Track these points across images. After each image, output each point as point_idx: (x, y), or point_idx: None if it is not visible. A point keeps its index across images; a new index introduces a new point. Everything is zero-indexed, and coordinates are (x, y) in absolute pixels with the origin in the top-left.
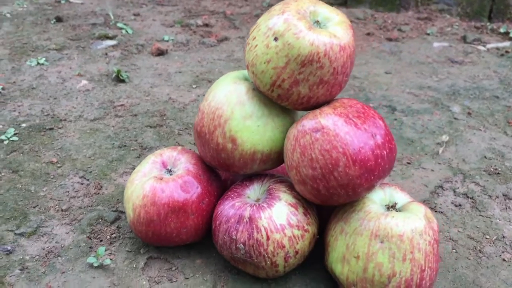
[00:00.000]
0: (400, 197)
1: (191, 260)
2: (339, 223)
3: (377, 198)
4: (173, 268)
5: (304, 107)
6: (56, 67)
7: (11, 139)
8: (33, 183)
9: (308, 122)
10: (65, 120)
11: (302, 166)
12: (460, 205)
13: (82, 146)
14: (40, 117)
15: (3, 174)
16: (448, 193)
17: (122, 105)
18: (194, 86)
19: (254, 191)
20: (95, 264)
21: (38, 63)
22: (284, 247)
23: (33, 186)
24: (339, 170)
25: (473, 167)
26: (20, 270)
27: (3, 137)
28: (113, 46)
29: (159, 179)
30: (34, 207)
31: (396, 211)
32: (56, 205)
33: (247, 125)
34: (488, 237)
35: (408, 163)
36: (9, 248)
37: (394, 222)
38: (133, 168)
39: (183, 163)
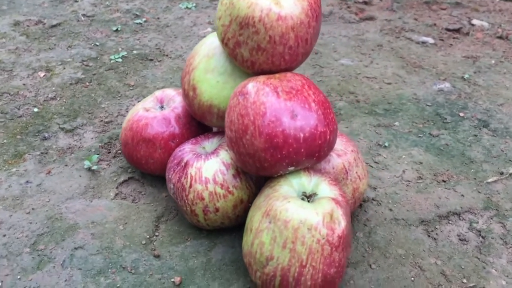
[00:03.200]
0: (325, 190)
1: (160, 192)
2: (258, 195)
3: (296, 183)
4: (142, 193)
5: (252, 71)
6: (199, 13)
7: (117, 60)
8: (103, 96)
9: (240, 85)
10: (166, 55)
11: (227, 126)
12: (464, 240)
13: (160, 79)
14: (151, 48)
15: (91, 83)
16: (461, 224)
17: None
18: None
19: (210, 143)
20: (85, 167)
21: (187, 7)
22: (203, 199)
23: (100, 98)
24: (246, 137)
25: None
26: (40, 153)
27: (112, 57)
28: None
29: (145, 110)
30: (87, 113)
31: (308, 201)
32: (105, 117)
33: (207, 77)
34: (464, 281)
35: (444, 181)
36: (46, 135)
37: (286, 207)
38: None
39: (175, 103)
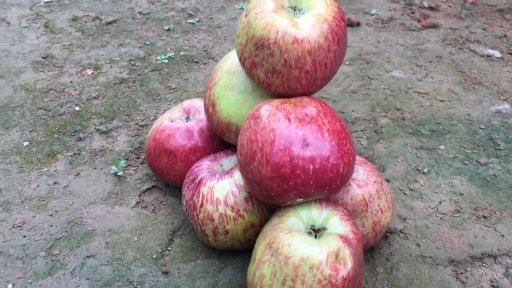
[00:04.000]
0: (335, 226)
1: (180, 203)
2: (266, 224)
3: (305, 215)
4: (163, 203)
5: (269, 93)
6: None
7: (163, 61)
8: (143, 98)
9: (254, 107)
10: (212, 58)
11: (238, 149)
12: (497, 287)
13: (201, 83)
14: (198, 50)
15: (134, 84)
16: (496, 268)
17: None
18: (347, 62)
19: (228, 161)
20: (112, 171)
21: (242, 7)
22: (213, 220)
23: (140, 100)
24: (254, 164)
25: None
26: (73, 154)
27: (158, 57)
28: None
29: (170, 120)
30: (125, 115)
31: (316, 237)
32: (141, 120)
33: (227, 94)
34: None
35: (484, 216)
36: (81, 136)
37: (290, 241)
38: None
39: (200, 115)
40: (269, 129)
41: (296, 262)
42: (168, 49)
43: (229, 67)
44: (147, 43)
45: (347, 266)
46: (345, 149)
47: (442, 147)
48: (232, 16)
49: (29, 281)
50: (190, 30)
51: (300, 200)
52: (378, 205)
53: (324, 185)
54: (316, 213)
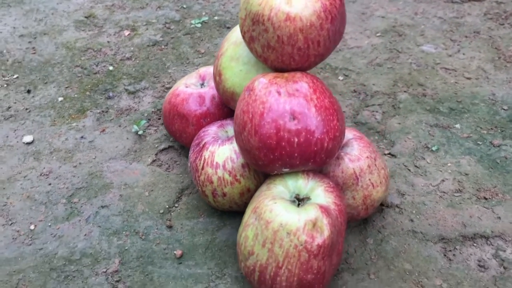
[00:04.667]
0: (319, 196)
1: None
2: (258, 190)
3: (292, 184)
4: (177, 163)
5: (267, 66)
6: None
7: (196, 25)
8: (172, 61)
9: (252, 79)
10: None
11: (234, 118)
12: (483, 267)
13: None
14: (232, 15)
15: (166, 47)
16: (487, 249)
17: None
18: (378, 34)
19: (233, 128)
20: (133, 130)
21: None
22: (212, 182)
23: (169, 63)
24: (244, 134)
25: None
26: (101, 111)
27: (193, 21)
28: None
29: (185, 86)
30: (153, 76)
31: (298, 205)
32: (167, 83)
33: (232, 65)
34: None
35: (485, 198)
36: (110, 95)
37: (271, 207)
38: None
39: None
40: (260, 102)
41: (275, 227)
42: (204, 13)
43: (235, 38)
44: (184, 6)
45: (323, 234)
46: (332, 124)
47: (457, 125)
48: None
49: (49, 224)
50: None
51: (286, 170)
52: (369, 179)
53: (309, 157)
54: (302, 183)
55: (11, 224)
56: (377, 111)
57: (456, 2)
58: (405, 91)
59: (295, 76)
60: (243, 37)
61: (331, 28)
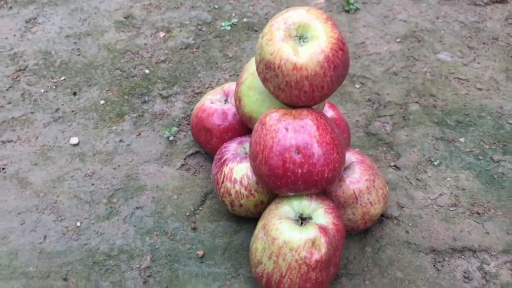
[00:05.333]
0: (319, 217)
1: None
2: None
3: (297, 205)
4: (203, 167)
5: (279, 101)
6: None
7: (226, 27)
8: (202, 65)
9: (264, 112)
10: None
11: (249, 145)
12: (467, 278)
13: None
14: (260, 18)
15: (198, 50)
16: (473, 261)
17: None
18: (398, 40)
19: None
20: (165, 136)
21: None
22: (230, 195)
23: (200, 67)
24: (257, 161)
25: None
26: (137, 116)
27: (223, 23)
28: None
29: (211, 102)
30: (185, 81)
31: (301, 224)
32: (197, 88)
33: (250, 93)
34: None
35: (478, 213)
36: (146, 99)
37: (277, 226)
38: None
39: None
40: (270, 136)
41: (280, 243)
42: (233, 15)
43: (253, 70)
44: (216, 6)
45: (321, 251)
46: (331, 157)
47: (462, 139)
48: None
49: (92, 222)
50: None
51: (292, 193)
52: (368, 199)
53: (311, 185)
54: (306, 204)
55: (61, 220)
56: (387, 122)
57: (479, 4)
58: (416, 102)
59: (301, 114)
60: (259, 75)
61: (334, 74)
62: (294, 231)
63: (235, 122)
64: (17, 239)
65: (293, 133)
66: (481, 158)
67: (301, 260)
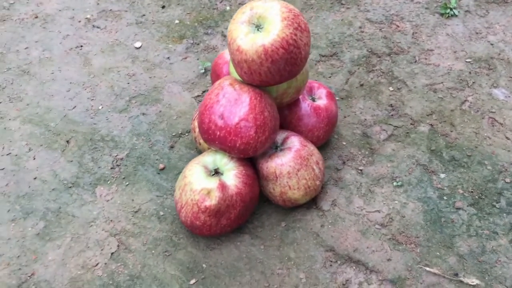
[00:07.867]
0: (229, 177)
1: None
2: None
3: (218, 159)
4: None
5: None
6: None
7: None
8: None
9: (224, 77)
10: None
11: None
12: (344, 286)
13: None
14: None
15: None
16: (360, 275)
17: None
18: (468, 59)
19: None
20: (199, 67)
21: None
22: (195, 132)
23: None
24: (198, 112)
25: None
26: (193, 43)
27: None
28: None
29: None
30: None
31: (213, 175)
32: None
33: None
34: None
35: (398, 241)
36: (209, 32)
37: (192, 168)
38: None
39: None
40: (209, 97)
41: (186, 182)
42: None
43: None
44: None
45: (212, 201)
46: (247, 133)
47: (442, 175)
48: None
49: (109, 110)
50: None
51: (214, 148)
52: (287, 182)
53: (225, 149)
54: (225, 162)
55: (92, 100)
56: (386, 131)
57: None
58: (430, 124)
59: (243, 89)
60: None
61: (272, 67)
62: (199, 177)
63: None
64: (58, 100)
65: (225, 102)
66: (444, 199)
67: (195, 201)
